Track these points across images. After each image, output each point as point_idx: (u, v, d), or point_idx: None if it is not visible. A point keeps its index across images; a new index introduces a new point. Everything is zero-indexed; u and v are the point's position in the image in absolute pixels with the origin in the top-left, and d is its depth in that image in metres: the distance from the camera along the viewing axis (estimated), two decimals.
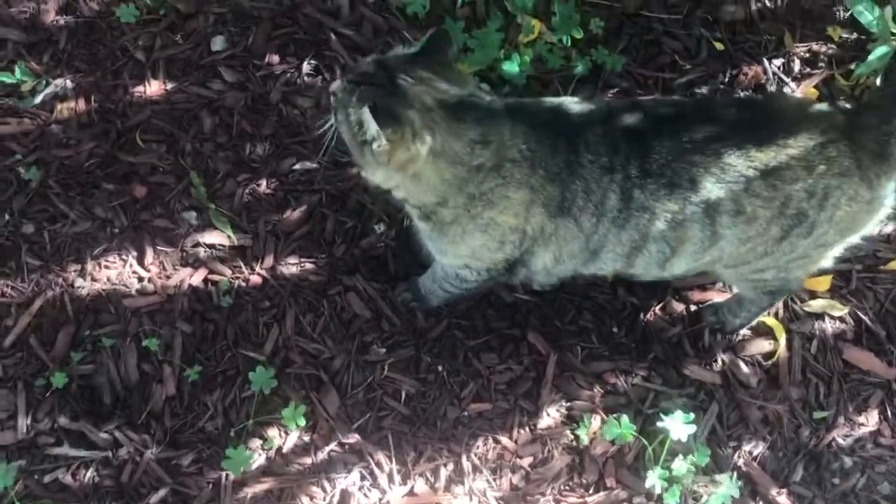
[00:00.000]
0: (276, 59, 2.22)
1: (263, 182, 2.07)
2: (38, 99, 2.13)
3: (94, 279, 1.96)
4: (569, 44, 2.05)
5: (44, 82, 2.15)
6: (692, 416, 1.72)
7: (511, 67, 2.03)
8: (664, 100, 1.77)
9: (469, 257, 1.70)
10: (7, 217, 2.00)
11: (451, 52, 1.56)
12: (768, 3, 2.30)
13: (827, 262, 1.72)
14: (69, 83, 2.16)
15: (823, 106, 1.68)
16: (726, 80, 2.22)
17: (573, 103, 1.64)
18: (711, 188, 1.53)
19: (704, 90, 2.22)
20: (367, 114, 1.43)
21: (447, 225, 1.62)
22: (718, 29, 2.27)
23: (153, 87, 2.16)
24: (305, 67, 2.20)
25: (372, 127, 1.44)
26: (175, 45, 2.21)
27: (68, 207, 2.01)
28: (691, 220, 1.56)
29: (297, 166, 2.07)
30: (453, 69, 1.56)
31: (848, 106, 2.12)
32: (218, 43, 2.22)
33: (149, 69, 2.18)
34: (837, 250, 1.70)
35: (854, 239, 1.67)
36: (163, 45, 2.21)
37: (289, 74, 2.19)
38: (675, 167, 1.53)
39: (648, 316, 1.98)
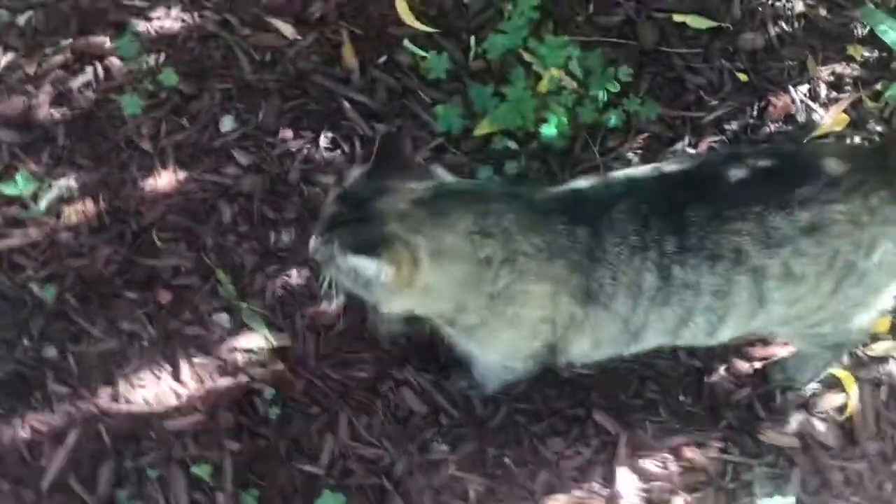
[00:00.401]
0: (289, 134, 2.08)
1: (294, 272, 1.94)
2: (43, 205, 1.98)
3: (128, 401, 1.82)
4: (605, 99, 1.93)
5: (46, 185, 1.99)
6: (792, 499, 1.63)
7: (549, 130, 1.91)
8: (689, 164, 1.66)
9: (505, 352, 1.62)
10: (26, 342, 1.85)
11: (405, 151, 1.50)
12: (786, 27, 2.20)
13: (886, 304, 1.63)
14: (73, 183, 2.01)
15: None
16: (755, 113, 2.12)
17: (583, 182, 1.57)
18: (757, 255, 1.45)
19: (734, 125, 2.12)
20: (355, 258, 1.38)
21: (474, 328, 1.53)
22: (740, 59, 2.17)
23: (164, 179, 2.01)
24: (322, 141, 2.06)
25: (367, 265, 1.38)
26: (182, 130, 2.07)
27: (90, 324, 1.87)
28: (738, 288, 1.48)
29: None
30: (414, 167, 1.53)
31: (876, 139, 2.04)
32: (227, 123, 2.08)
33: (157, 159, 2.04)
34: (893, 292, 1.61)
35: None
36: (168, 130, 2.07)
37: (306, 151, 2.06)
38: (717, 239, 1.45)
39: (714, 379, 1.88)
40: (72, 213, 1.97)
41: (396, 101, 2.11)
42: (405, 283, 1.42)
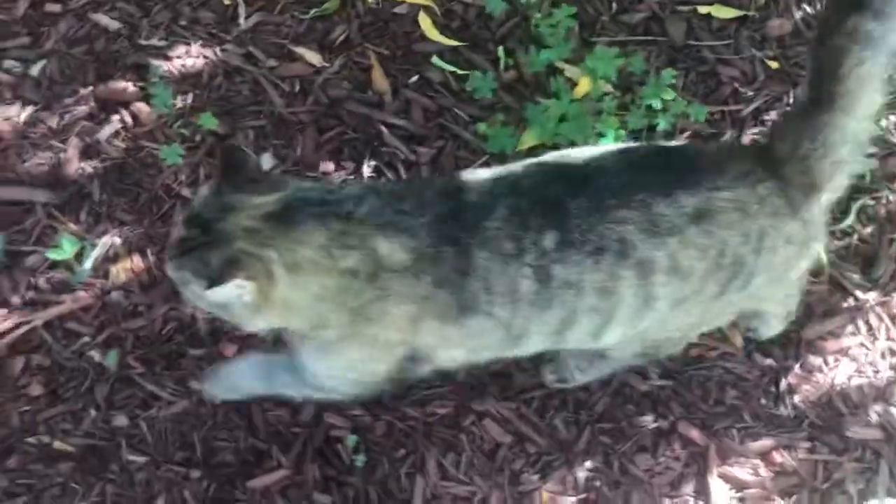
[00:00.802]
0: (331, 166, 2.02)
1: None
2: (88, 265, 1.90)
3: (209, 463, 1.77)
4: (660, 107, 1.89)
5: (89, 245, 1.91)
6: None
7: (608, 143, 1.87)
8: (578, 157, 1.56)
9: (349, 372, 1.55)
10: (94, 413, 1.79)
11: (251, 163, 1.41)
12: (809, 10, 2.17)
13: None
14: (117, 239, 1.93)
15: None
16: (790, 100, 2.10)
17: (468, 176, 1.49)
18: (644, 246, 1.39)
19: (773, 115, 2.10)
20: (208, 287, 1.29)
21: (328, 344, 1.46)
22: (769, 46, 2.14)
23: None
24: (366, 170, 2.00)
25: (220, 291, 1.30)
26: None
27: (158, 387, 1.81)
28: (624, 285, 1.42)
29: None
30: (263, 178, 1.42)
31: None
32: (266, 160, 2.01)
33: None
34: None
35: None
36: (207, 174, 1.99)
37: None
38: (601, 230, 1.38)
39: (791, 378, 1.87)
40: (120, 272, 1.90)
41: (434, 121, 2.05)
42: (263, 301, 1.35)
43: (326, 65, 2.09)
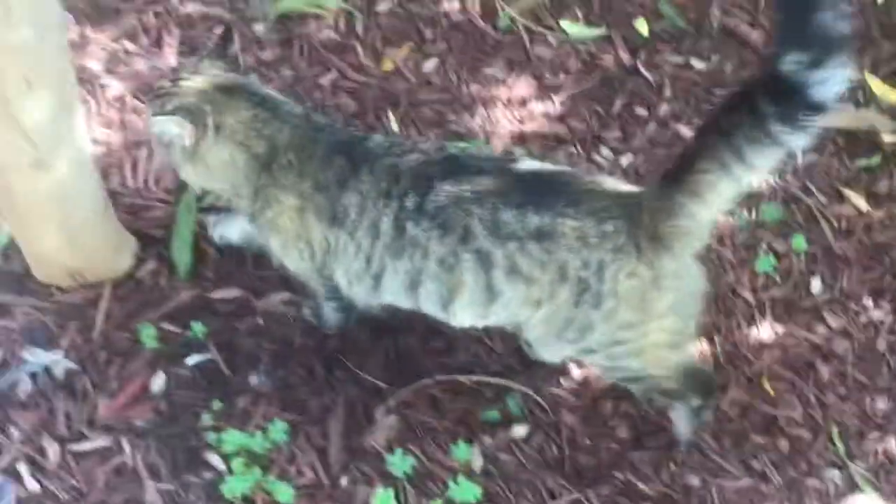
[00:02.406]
0: (870, 303, 2.28)
1: (892, 440, 2.14)
2: None
3: None
4: None
5: None
6: None
7: None
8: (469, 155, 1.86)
9: (285, 260, 1.85)
10: (672, 467, 2.09)
11: (231, 47, 1.83)
12: None
13: (676, 354, 1.75)
14: None
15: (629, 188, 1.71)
16: None
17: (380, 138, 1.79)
18: (484, 239, 1.61)
19: None
20: (155, 119, 1.68)
21: (253, 221, 1.81)
22: None
23: (765, 330, 2.23)
24: None
25: (163, 124, 1.68)
26: (777, 286, 2.29)
27: (724, 461, 2.10)
28: (464, 267, 1.64)
29: None
30: (238, 66, 1.84)
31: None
32: (815, 285, 2.29)
33: (757, 310, 2.26)
34: (677, 334, 1.71)
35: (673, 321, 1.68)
36: (765, 284, 2.29)
37: (888, 321, 2.26)
38: (451, 212, 1.61)
39: None
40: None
41: None
42: (194, 150, 1.70)
43: (871, 210, 2.37)
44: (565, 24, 2.60)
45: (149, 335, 2.02)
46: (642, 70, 2.54)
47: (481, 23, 2.60)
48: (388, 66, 2.48)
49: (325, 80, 2.45)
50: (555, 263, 1.60)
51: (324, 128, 1.78)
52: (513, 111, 2.45)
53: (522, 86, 2.48)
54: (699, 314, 1.77)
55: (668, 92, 2.51)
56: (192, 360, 2.03)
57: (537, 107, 2.45)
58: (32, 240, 1.87)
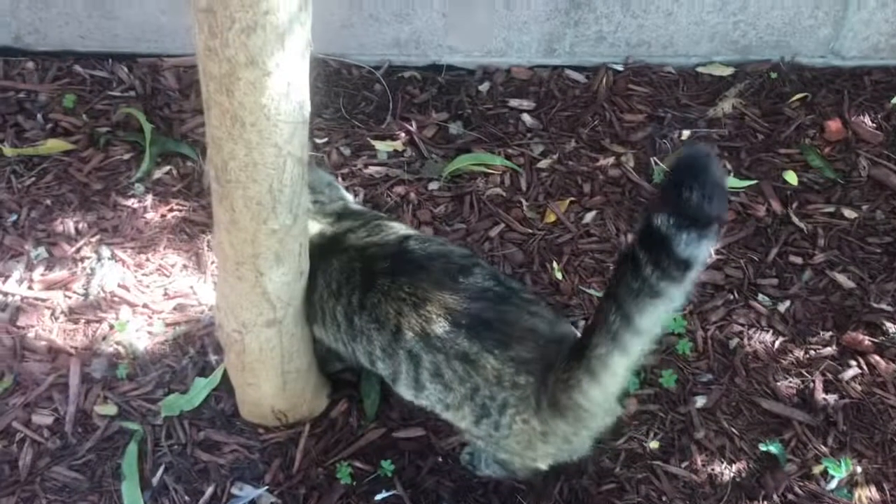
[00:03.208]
0: None
1: None
2: (833, 484, 2.26)
3: None
4: None
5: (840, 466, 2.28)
6: None
7: None
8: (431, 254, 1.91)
9: None
10: None
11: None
12: None
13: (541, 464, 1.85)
14: (858, 468, 2.28)
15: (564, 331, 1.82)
16: None
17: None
18: (415, 344, 1.77)
19: None
20: None
21: None
22: None
23: None
24: None
25: None
26: None
27: None
28: (399, 358, 1.80)
29: None
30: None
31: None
32: None
33: None
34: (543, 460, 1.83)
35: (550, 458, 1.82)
36: None
37: None
38: (385, 310, 1.78)
39: None
40: (862, 497, 2.24)
41: None
42: None
43: None
44: None
45: (344, 472, 2.19)
46: (795, 219, 2.67)
47: (636, 176, 2.79)
48: (550, 218, 2.68)
49: (494, 232, 2.66)
50: (470, 384, 1.76)
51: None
52: None
53: None
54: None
55: (821, 241, 2.62)
56: (380, 496, 2.19)
57: None
58: (250, 386, 2.10)
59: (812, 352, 2.42)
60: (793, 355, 2.43)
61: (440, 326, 1.75)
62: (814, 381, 2.38)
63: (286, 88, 1.42)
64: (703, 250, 1.44)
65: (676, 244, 1.40)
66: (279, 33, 1.32)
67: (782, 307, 2.50)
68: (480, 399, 1.77)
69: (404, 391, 1.91)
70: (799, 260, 2.59)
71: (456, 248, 1.99)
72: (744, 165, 2.82)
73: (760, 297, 2.52)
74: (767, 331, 2.46)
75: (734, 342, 2.40)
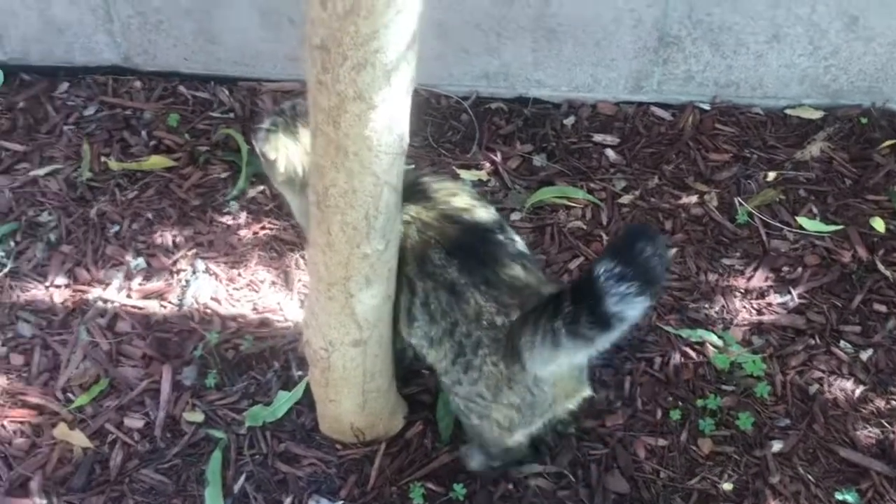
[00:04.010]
0: None
1: None
2: None
3: None
4: None
5: None
6: None
7: None
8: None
9: None
10: None
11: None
12: None
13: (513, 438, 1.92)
14: None
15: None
16: None
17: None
18: (410, 269, 1.84)
19: None
20: (254, 143, 1.88)
21: None
22: None
23: None
24: None
25: (257, 148, 1.87)
26: None
27: None
28: (402, 285, 1.89)
29: None
30: None
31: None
32: None
33: None
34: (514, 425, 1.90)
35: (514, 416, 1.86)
36: None
37: None
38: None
39: None
40: None
41: None
42: (273, 174, 1.88)
43: None
44: (802, 219, 2.75)
45: (418, 493, 2.24)
46: (881, 267, 2.65)
47: (718, 216, 2.80)
48: None
49: (573, 265, 2.70)
50: (450, 318, 1.80)
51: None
52: (751, 301, 2.59)
53: (760, 277, 2.64)
54: (543, 427, 2.00)
55: None
56: None
57: (775, 298, 2.59)
58: (332, 402, 2.17)
59: (893, 402, 2.39)
60: (873, 405, 2.39)
61: (436, 253, 1.80)
62: (894, 432, 2.34)
63: (389, 122, 1.49)
64: (634, 311, 1.46)
65: (610, 296, 1.43)
66: (387, 70, 1.40)
67: (864, 355, 2.47)
68: (458, 336, 1.81)
69: (403, 327, 1.96)
70: (883, 308, 2.56)
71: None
72: (830, 210, 2.81)
73: (842, 343, 2.50)
74: (848, 378, 2.43)
75: (814, 388, 2.39)
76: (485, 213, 1.96)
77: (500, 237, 1.92)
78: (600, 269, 1.43)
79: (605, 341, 1.56)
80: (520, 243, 1.97)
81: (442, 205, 1.93)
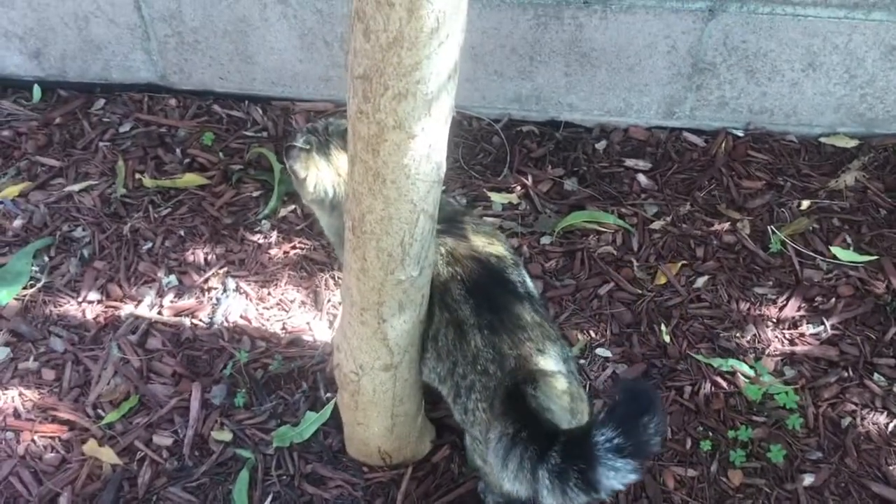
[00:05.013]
0: None
1: None
2: None
3: None
4: None
5: None
6: None
7: None
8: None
9: None
10: None
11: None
12: None
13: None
14: None
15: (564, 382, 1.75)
16: None
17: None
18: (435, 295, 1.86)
19: None
20: (285, 160, 1.92)
21: None
22: None
23: None
24: None
25: (288, 165, 1.92)
26: None
27: None
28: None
29: None
30: None
31: None
32: None
33: None
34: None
35: None
36: None
37: None
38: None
39: None
40: None
41: None
42: (302, 191, 1.94)
43: None
44: (835, 249, 2.73)
45: None
46: None
47: (751, 244, 2.78)
48: (661, 280, 2.69)
49: (603, 290, 2.69)
50: (453, 358, 1.81)
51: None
52: (783, 331, 2.57)
53: (793, 307, 2.61)
54: None
55: None
56: None
57: (808, 328, 2.57)
58: (360, 425, 2.17)
59: None
60: None
61: (457, 288, 1.82)
62: None
63: (427, 151, 1.50)
64: (623, 485, 1.42)
65: (605, 468, 1.39)
66: (427, 100, 1.40)
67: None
68: (456, 377, 1.82)
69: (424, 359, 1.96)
70: None
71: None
72: (864, 240, 2.78)
73: (876, 376, 2.47)
74: (882, 412, 2.40)
75: (846, 421, 2.36)
76: (515, 274, 1.96)
77: (521, 290, 1.92)
78: (600, 436, 1.39)
79: (581, 500, 1.50)
80: (538, 300, 1.97)
81: (476, 246, 1.93)
